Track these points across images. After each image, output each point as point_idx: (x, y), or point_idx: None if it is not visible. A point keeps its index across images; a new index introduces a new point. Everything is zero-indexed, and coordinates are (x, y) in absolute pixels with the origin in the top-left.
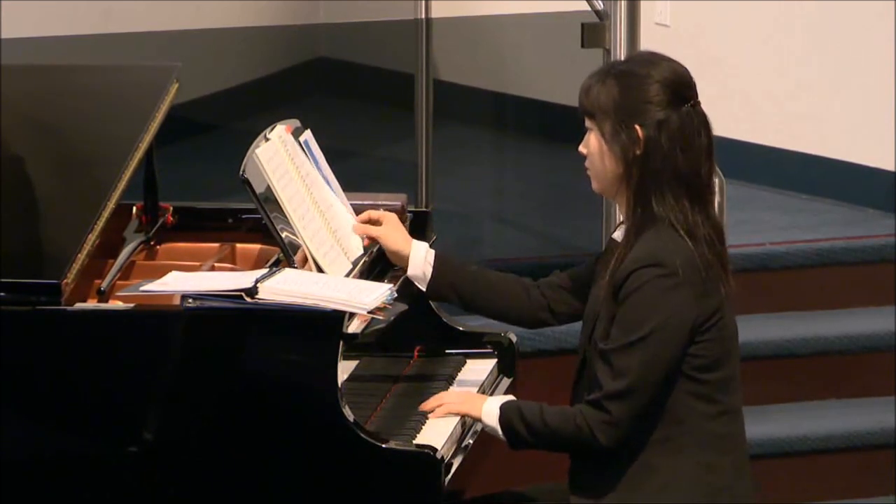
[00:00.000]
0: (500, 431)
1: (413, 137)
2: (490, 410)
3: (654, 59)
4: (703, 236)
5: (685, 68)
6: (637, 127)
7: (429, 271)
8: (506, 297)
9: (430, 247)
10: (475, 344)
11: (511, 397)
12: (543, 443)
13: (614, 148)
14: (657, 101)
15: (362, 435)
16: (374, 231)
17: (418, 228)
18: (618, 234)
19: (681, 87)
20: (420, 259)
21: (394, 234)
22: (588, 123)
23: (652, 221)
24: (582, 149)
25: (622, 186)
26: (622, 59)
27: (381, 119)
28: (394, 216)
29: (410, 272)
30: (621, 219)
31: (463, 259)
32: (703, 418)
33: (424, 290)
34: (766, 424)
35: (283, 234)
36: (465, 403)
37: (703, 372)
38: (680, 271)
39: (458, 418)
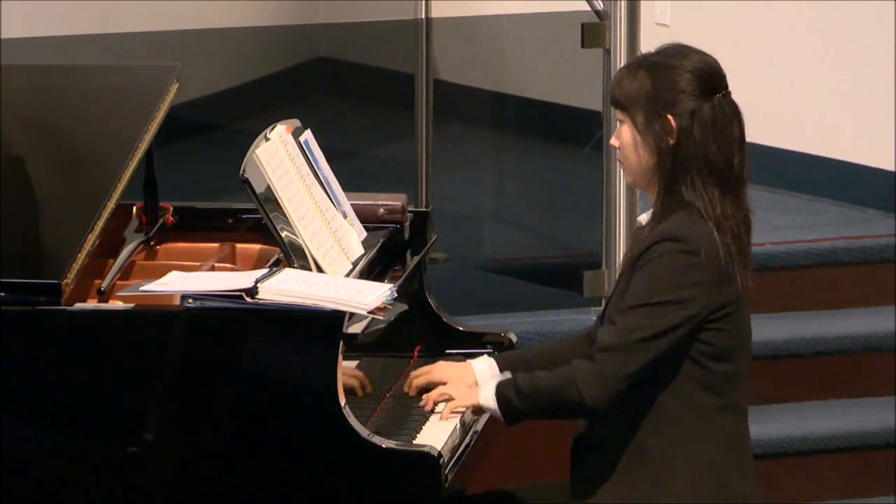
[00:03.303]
0: (497, 410)
1: (413, 137)
2: (488, 394)
3: (685, 50)
4: (730, 227)
5: (715, 59)
6: (670, 117)
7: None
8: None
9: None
10: (475, 344)
11: (508, 375)
12: (531, 405)
13: (647, 138)
14: (689, 90)
15: (362, 435)
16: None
17: (418, 228)
18: (643, 217)
19: (712, 77)
20: (486, 375)
21: (449, 370)
22: (620, 115)
23: (681, 206)
24: (614, 141)
25: (654, 177)
26: (653, 51)
27: (381, 119)
28: (438, 365)
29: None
30: (650, 210)
31: (466, 263)
32: (708, 410)
33: None
34: (766, 424)
35: (283, 234)
36: (464, 398)
37: (712, 361)
38: (703, 254)
39: (458, 418)
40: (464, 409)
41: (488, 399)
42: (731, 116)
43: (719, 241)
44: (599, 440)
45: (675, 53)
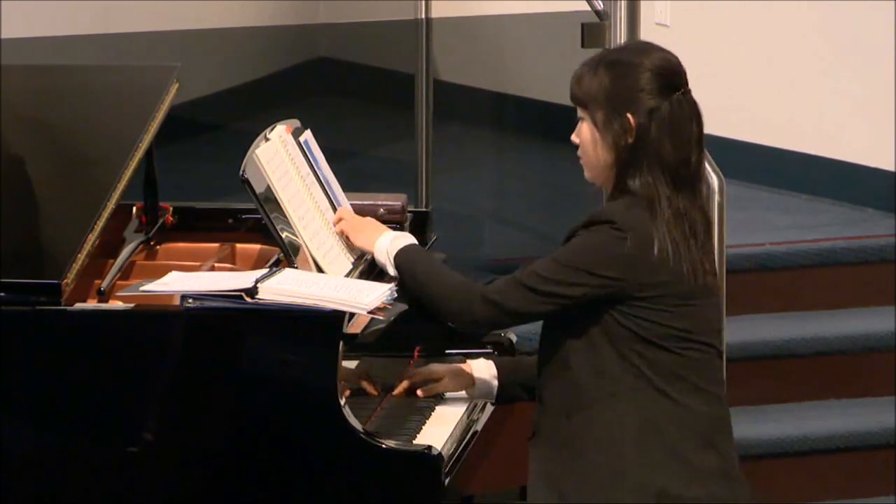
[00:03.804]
0: (389, 268)
1: (413, 137)
2: (382, 248)
3: (645, 48)
4: (680, 224)
5: (676, 57)
6: (629, 116)
7: (494, 384)
8: None
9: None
10: (475, 344)
11: (411, 241)
12: (416, 288)
13: (606, 137)
14: (648, 89)
15: (362, 435)
16: (438, 388)
17: (418, 228)
18: None
19: (671, 76)
20: (483, 372)
21: (455, 380)
22: (580, 113)
23: (625, 195)
24: (574, 138)
25: (611, 173)
26: (614, 49)
27: (381, 119)
28: (440, 369)
29: (479, 395)
30: None
31: (466, 263)
32: (654, 392)
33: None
34: (766, 424)
35: (283, 234)
36: (360, 233)
37: (666, 341)
38: (630, 235)
39: (458, 418)
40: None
41: (381, 253)
42: (690, 115)
43: (659, 231)
44: (550, 432)
45: (637, 51)
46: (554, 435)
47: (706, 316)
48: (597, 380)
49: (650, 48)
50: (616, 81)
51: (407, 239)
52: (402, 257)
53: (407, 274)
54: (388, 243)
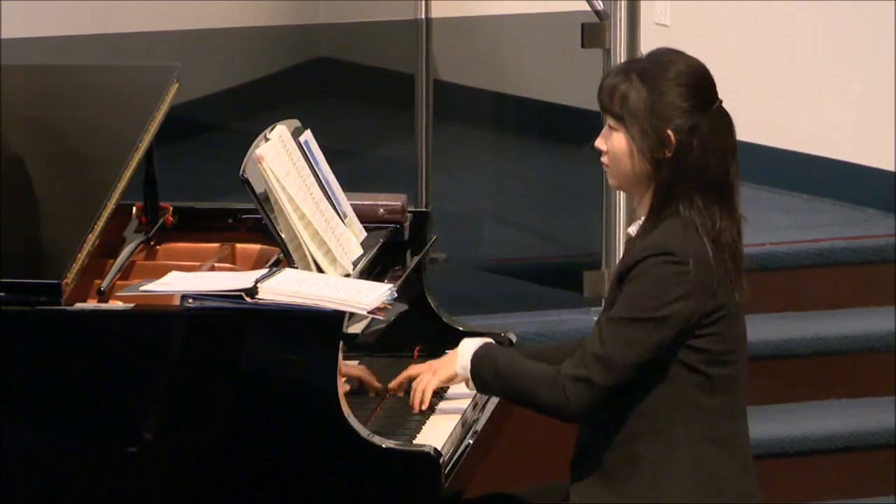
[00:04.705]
0: (469, 380)
1: (413, 137)
2: (464, 363)
3: (674, 58)
4: (726, 242)
5: (704, 65)
6: (669, 132)
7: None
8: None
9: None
10: None
11: (486, 341)
12: (506, 388)
13: (644, 149)
14: (686, 106)
15: (362, 434)
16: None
17: (418, 228)
18: (633, 229)
19: (706, 88)
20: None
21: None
22: (612, 123)
23: (674, 215)
24: (601, 145)
25: (648, 184)
26: (641, 57)
27: (381, 119)
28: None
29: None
30: (640, 215)
31: (466, 263)
32: (703, 414)
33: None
34: (766, 424)
35: (283, 235)
36: (439, 373)
37: (708, 366)
38: (690, 262)
39: (458, 418)
40: (440, 385)
41: (465, 368)
42: (727, 126)
43: (713, 256)
44: (596, 450)
45: (667, 63)
46: (623, 458)
47: (743, 326)
48: (667, 410)
49: (678, 58)
50: (652, 96)
51: (476, 343)
52: (480, 359)
53: (489, 374)
54: (463, 360)
